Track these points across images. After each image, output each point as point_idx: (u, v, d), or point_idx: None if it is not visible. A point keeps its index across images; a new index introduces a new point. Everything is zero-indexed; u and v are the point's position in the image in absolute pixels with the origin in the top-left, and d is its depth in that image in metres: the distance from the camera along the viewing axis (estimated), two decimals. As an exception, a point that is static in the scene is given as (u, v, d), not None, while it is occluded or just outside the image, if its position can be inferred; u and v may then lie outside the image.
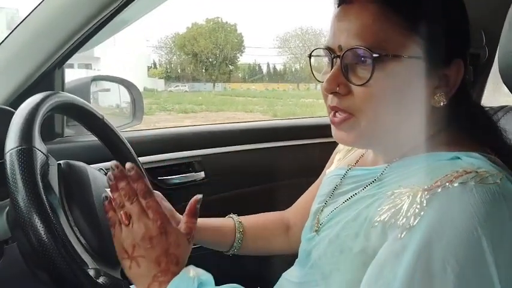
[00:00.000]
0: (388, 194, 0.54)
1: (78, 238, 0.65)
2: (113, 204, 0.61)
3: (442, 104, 0.56)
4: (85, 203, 0.69)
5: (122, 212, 0.60)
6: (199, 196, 0.69)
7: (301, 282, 0.70)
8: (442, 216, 0.47)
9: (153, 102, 15.54)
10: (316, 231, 0.69)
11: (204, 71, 34.49)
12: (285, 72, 38.67)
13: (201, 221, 0.82)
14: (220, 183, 1.29)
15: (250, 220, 0.90)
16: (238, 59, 36.95)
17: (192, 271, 0.59)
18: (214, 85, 32.19)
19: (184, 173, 1.25)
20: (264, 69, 39.65)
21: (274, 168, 1.33)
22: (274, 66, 40.27)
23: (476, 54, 1.13)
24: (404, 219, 0.49)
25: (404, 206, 0.50)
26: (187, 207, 0.67)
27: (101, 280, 0.60)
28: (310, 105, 17.08)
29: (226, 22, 35.97)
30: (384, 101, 0.55)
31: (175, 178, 1.23)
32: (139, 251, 0.59)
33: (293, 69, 38.68)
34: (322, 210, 0.71)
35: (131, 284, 0.67)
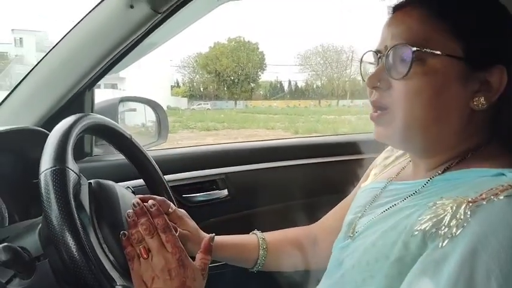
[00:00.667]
0: (429, 205, 0.54)
1: (106, 255, 0.67)
2: (131, 239, 0.66)
3: (481, 107, 0.57)
4: (114, 221, 0.71)
5: (141, 247, 0.64)
6: (213, 235, 0.73)
7: None
8: (488, 227, 0.47)
9: (176, 121, 15.79)
10: (350, 239, 0.69)
11: (226, 89, 34.90)
12: (307, 89, 38.71)
13: (225, 237, 0.83)
14: (243, 201, 1.30)
15: (274, 236, 0.90)
16: (259, 77, 37.27)
17: None
18: (236, 103, 32.48)
19: (208, 191, 1.27)
20: (286, 86, 39.80)
21: (296, 186, 1.33)
22: (296, 83, 40.40)
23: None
24: (447, 229, 0.49)
25: (447, 216, 0.50)
26: (202, 245, 0.70)
27: (128, 296, 0.62)
28: (332, 122, 17.00)
29: (248, 41, 36.47)
30: (420, 97, 0.57)
31: (200, 196, 1.25)
32: (159, 283, 0.62)
33: (314, 86, 38.70)
34: (358, 221, 0.71)
35: None
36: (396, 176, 0.73)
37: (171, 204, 0.79)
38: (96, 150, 1.28)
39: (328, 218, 0.93)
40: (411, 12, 0.60)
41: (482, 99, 0.57)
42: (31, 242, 0.68)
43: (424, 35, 0.57)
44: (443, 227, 0.50)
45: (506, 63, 0.57)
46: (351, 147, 1.37)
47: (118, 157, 1.24)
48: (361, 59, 0.69)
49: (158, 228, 0.65)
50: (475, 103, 0.57)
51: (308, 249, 0.89)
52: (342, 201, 0.91)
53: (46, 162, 0.62)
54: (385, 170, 0.80)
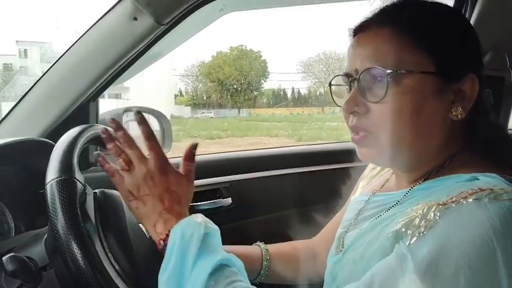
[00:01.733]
0: (407, 211, 0.56)
1: (112, 264, 0.67)
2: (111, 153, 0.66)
3: (460, 117, 0.58)
4: (119, 230, 0.72)
5: (121, 160, 0.65)
6: (196, 143, 0.72)
7: None
8: (456, 226, 0.48)
9: (180, 129, 15.81)
10: (340, 253, 0.70)
11: (229, 97, 34.99)
12: (310, 97, 38.76)
13: (229, 248, 0.83)
14: (247, 209, 1.31)
15: (277, 248, 0.91)
16: (262, 85, 37.36)
17: (201, 218, 0.63)
18: (239, 111, 32.54)
19: (212, 199, 1.27)
20: (289, 93, 39.87)
21: (301, 193, 1.33)
22: (299, 90, 40.43)
23: (500, 77, 1.13)
24: (415, 228, 0.51)
25: (418, 218, 0.52)
26: (184, 152, 0.70)
27: (134, 305, 0.63)
28: (335, 129, 16.95)
29: (250, 49, 36.64)
30: (401, 117, 0.58)
31: (204, 204, 1.26)
32: (144, 190, 0.64)
33: (317, 93, 38.74)
34: (345, 234, 0.72)
35: None
36: (380, 188, 0.74)
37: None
38: (101, 160, 1.29)
39: (325, 231, 0.94)
40: (378, 31, 0.60)
41: (459, 109, 0.58)
42: (37, 251, 0.69)
43: (396, 55, 0.57)
44: (413, 227, 0.51)
45: (476, 71, 0.59)
46: (354, 154, 1.38)
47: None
48: (330, 83, 0.68)
49: (143, 136, 0.65)
50: (453, 113, 0.59)
51: (309, 262, 0.90)
52: (336, 214, 0.92)
53: (52, 173, 0.63)
54: (371, 181, 0.82)
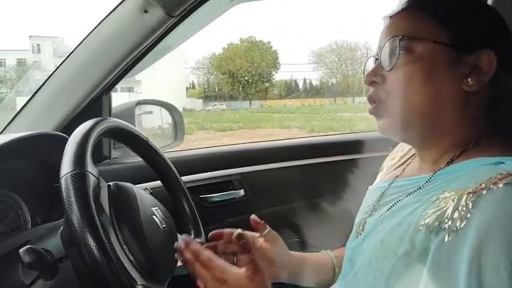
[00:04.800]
0: (432, 199, 0.55)
1: (127, 255, 0.68)
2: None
3: (473, 88, 0.59)
4: (133, 222, 0.72)
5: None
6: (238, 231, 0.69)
7: None
8: (490, 218, 0.47)
9: (192, 122, 15.89)
10: (360, 238, 0.69)
11: (240, 89, 34.96)
12: (321, 87, 38.48)
13: (302, 256, 0.84)
14: (259, 200, 1.31)
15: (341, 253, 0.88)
16: (273, 76, 37.22)
17: None
18: (250, 103, 32.51)
19: (225, 191, 1.28)
20: (300, 84, 39.64)
21: (313, 185, 1.33)
22: (310, 81, 40.20)
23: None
24: (450, 221, 0.50)
25: (450, 209, 0.51)
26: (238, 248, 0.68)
27: (148, 296, 0.63)
28: (348, 119, 16.85)
29: (260, 40, 36.45)
30: (411, 83, 0.60)
31: (216, 196, 1.26)
32: None
33: (329, 84, 38.46)
34: (366, 220, 0.71)
35: None
36: (401, 173, 0.74)
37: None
38: (114, 153, 1.30)
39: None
40: (402, 14, 0.64)
41: (472, 81, 0.59)
42: (53, 244, 0.70)
43: (410, 26, 0.61)
44: (447, 220, 0.50)
45: (495, 48, 0.59)
46: (367, 144, 1.36)
47: (136, 159, 1.26)
48: (365, 66, 0.71)
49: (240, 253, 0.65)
50: (465, 83, 0.59)
51: None
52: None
53: (66, 167, 0.64)
54: (391, 169, 0.81)
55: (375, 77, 0.64)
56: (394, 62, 0.61)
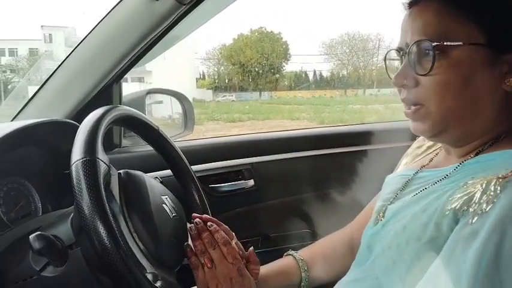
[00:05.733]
0: (460, 185, 0.54)
1: (137, 243, 0.68)
2: (195, 250, 0.73)
3: None
4: (143, 210, 0.72)
5: (205, 257, 0.72)
6: (251, 248, 0.79)
7: (359, 278, 0.70)
8: None
9: (202, 112, 15.91)
10: (379, 225, 0.69)
11: (250, 80, 34.86)
12: (332, 79, 38.21)
13: (267, 269, 0.84)
14: (269, 191, 1.30)
15: (311, 253, 0.89)
16: (284, 67, 37.02)
17: None
18: (260, 94, 32.42)
19: (234, 181, 1.27)
20: (311, 76, 39.41)
21: (323, 175, 1.32)
22: (321, 73, 39.93)
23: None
24: (477, 205, 0.49)
25: (477, 193, 0.50)
26: (251, 258, 0.78)
27: (158, 284, 0.63)
28: (358, 111, 16.74)
29: (271, 31, 36.21)
30: (449, 89, 0.58)
31: (226, 186, 1.26)
32: None
33: (340, 75, 38.16)
34: (387, 207, 0.71)
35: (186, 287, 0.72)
36: (428, 163, 0.73)
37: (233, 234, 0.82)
38: (124, 142, 1.30)
39: (362, 215, 0.91)
40: (427, 6, 0.60)
41: None
42: (63, 230, 0.70)
43: (443, 28, 0.58)
44: (474, 204, 0.50)
45: None
46: (379, 135, 1.35)
47: (146, 148, 1.26)
48: (385, 57, 0.69)
49: (219, 242, 0.72)
50: (507, 84, 0.57)
51: (347, 253, 0.87)
52: (374, 197, 0.90)
53: (77, 154, 0.64)
54: (416, 159, 0.80)
55: (406, 80, 0.62)
56: (428, 67, 0.58)
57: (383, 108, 16.87)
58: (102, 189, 0.61)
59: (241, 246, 0.80)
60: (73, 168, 0.62)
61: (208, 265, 0.71)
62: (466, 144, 0.63)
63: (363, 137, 1.38)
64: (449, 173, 0.62)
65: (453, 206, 0.52)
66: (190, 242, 0.76)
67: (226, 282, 0.70)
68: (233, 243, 0.75)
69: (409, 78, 0.61)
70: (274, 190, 1.31)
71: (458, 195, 0.53)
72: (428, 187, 0.63)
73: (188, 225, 0.78)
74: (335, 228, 0.94)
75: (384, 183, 0.81)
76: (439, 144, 0.76)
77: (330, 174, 1.32)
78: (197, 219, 0.76)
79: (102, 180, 0.62)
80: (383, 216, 0.70)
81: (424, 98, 0.60)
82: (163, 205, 0.78)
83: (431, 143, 0.80)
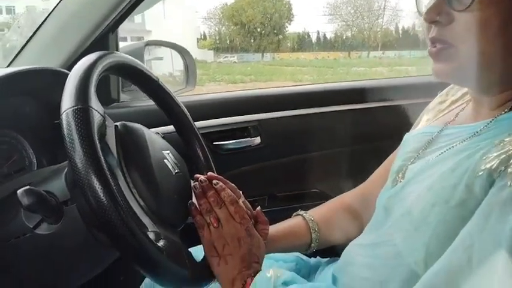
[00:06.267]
0: (495, 143, 0.49)
1: (137, 200, 0.63)
2: (200, 209, 0.69)
3: None
4: (143, 165, 0.66)
5: (211, 216, 0.67)
6: (259, 208, 0.75)
7: (375, 243, 0.65)
8: None
9: (203, 74, 15.68)
10: (399, 186, 0.64)
11: (252, 41, 34.18)
12: (336, 41, 37.43)
13: (275, 230, 0.80)
14: (276, 149, 1.24)
15: (322, 213, 0.85)
16: (286, 28, 36.19)
17: (272, 271, 0.63)
18: (262, 55, 31.89)
19: (240, 138, 1.21)
20: (314, 37, 38.59)
21: (333, 133, 1.25)
22: (324, 34, 39.04)
23: None
24: None
25: None
26: (259, 218, 0.73)
27: (161, 243, 0.58)
28: (362, 74, 16.51)
29: (274, -10, 35.10)
30: (487, 29, 0.50)
31: (231, 143, 1.20)
32: (228, 250, 0.66)
33: (344, 37, 37.34)
34: (408, 166, 0.65)
35: (190, 247, 0.68)
36: (453, 119, 0.66)
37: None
38: (123, 97, 1.23)
39: (376, 176, 0.86)
40: None
41: None
42: (57, 186, 0.65)
43: None
44: None
45: None
46: (392, 91, 1.27)
47: (146, 103, 1.20)
48: None
49: (225, 201, 0.68)
50: None
51: (361, 213, 0.83)
52: (390, 155, 0.84)
53: (67, 102, 0.57)
54: (439, 115, 0.73)
55: (439, 16, 0.54)
56: (467, 2, 0.50)
57: (387, 71, 16.60)
58: (97, 140, 0.55)
59: (249, 206, 0.75)
60: (63, 117, 0.55)
61: (215, 224, 0.67)
62: (498, 94, 0.57)
63: (377, 93, 1.29)
64: (480, 130, 0.56)
65: (488, 165, 0.47)
66: (194, 200, 0.71)
67: (233, 242, 0.66)
68: (240, 202, 0.70)
69: (442, 14, 0.54)
70: (281, 148, 1.24)
71: (494, 154, 0.47)
72: (456, 145, 0.57)
73: (192, 183, 0.73)
74: (345, 189, 0.90)
75: (403, 141, 0.75)
76: (465, 98, 0.69)
77: (340, 132, 1.25)
78: (202, 177, 0.71)
79: (96, 130, 0.56)
80: (403, 177, 0.65)
81: (456, 37, 0.53)
82: (165, 160, 0.72)
83: (455, 97, 0.73)
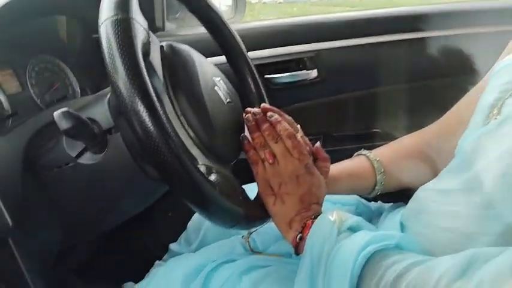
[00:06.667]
0: None
1: (185, 130, 0.56)
2: (253, 143, 0.62)
3: None
4: (192, 91, 0.59)
5: (266, 151, 0.60)
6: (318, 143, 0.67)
7: (458, 189, 0.55)
8: None
9: (248, 15, 15.20)
10: (492, 124, 0.53)
11: (299, -21, 32.55)
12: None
13: (337, 169, 0.72)
14: (335, 83, 1.11)
15: (388, 153, 0.75)
16: (337, -36, 33.99)
17: (335, 214, 0.54)
18: (309, -5, 30.43)
19: (295, 71, 1.09)
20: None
21: (401, 66, 1.09)
22: (378, -29, 36.35)
23: None
24: None
25: None
26: (319, 154, 0.65)
27: (213, 177, 0.52)
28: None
29: None
30: None
31: (284, 76, 1.09)
32: (286, 189, 0.59)
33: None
34: (505, 101, 0.54)
35: (242, 184, 0.61)
36: None
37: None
38: (168, 25, 1.15)
39: (452, 114, 0.73)
40: None
41: None
42: (100, 112, 0.59)
43: None
44: None
45: None
46: (474, 17, 1.09)
47: (193, 31, 1.11)
48: None
49: (282, 135, 0.61)
50: None
51: (434, 155, 0.72)
52: (471, 90, 0.71)
53: (106, 11, 0.48)
54: None
55: None
56: None
57: None
58: (140, 56, 0.47)
59: (308, 141, 0.66)
60: (101, 29, 0.47)
61: (270, 161, 0.60)
62: None
63: (454, 19, 1.10)
64: None
65: None
66: (247, 133, 0.63)
67: (291, 180, 0.59)
68: (299, 136, 0.62)
69: None
70: (341, 82, 1.11)
71: None
72: None
73: (244, 115, 0.65)
74: (413, 129, 0.79)
75: (494, 71, 0.62)
76: None
77: (410, 65, 1.09)
78: (255, 109, 0.63)
79: (139, 45, 0.48)
80: (498, 113, 0.54)
81: None
82: (216, 88, 0.64)
83: None
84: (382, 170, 0.73)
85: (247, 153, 0.62)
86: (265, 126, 0.61)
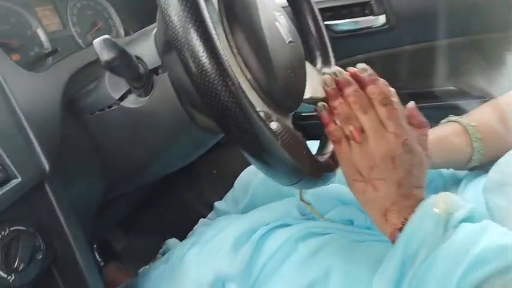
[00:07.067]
0: None
1: (241, 70, 0.48)
2: (334, 114, 0.50)
3: None
4: (250, 25, 0.50)
5: (351, 127, 0.48)
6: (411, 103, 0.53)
7: None
8: None
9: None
10: None
11: None
12: None
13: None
14: (406, 32, 0.99)
15: (482, 118, 0.63)
16: None
17: (441, 203, 0.43)
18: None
19: (359, 17, 0.99)
20: None
21: (484, 13, 0.94)
22: None
23: None
24: None
25: None
26: (414, 120, 0.51)
27: (274, 126, 0.44)
28: None
29: None
30: None
31: (347, 23, 0.98)
32: (378, 173, 0.47)
33: None
34: None
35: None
36: None
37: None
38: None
39: None
40: None
41: None
42: (146, 50, 0.53)
43: None
44: None
45: None
46: None
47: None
48: None
49: (374, 100, 0.48)
50: None
51: None
52: None
53: None
54: None
55: None
56: None
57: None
58: None
59: (401, 106, 0.52)
60: None
61: (357, 139, 0.48)
62: None
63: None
64: None
65: None
66: (320, 91, 0.52)
67: (385, 163, 0.47)
68: (395, 101, 0.49)
69: None
70: (413, 31, 0.99)
71: None
72: None
73: (315, 74, 0.54)
74: (493, 87, 0.66)
75: None
76: None
77: (496, 14, 0.94)
78: (335, 68, 0.51)
79: None
80: None
81: None
82: (277, 23, 0.55)
83: None
84: (480, 136, 0.61)
85: (326, 127, 0.51)
86: (350, 89, 0.49)
